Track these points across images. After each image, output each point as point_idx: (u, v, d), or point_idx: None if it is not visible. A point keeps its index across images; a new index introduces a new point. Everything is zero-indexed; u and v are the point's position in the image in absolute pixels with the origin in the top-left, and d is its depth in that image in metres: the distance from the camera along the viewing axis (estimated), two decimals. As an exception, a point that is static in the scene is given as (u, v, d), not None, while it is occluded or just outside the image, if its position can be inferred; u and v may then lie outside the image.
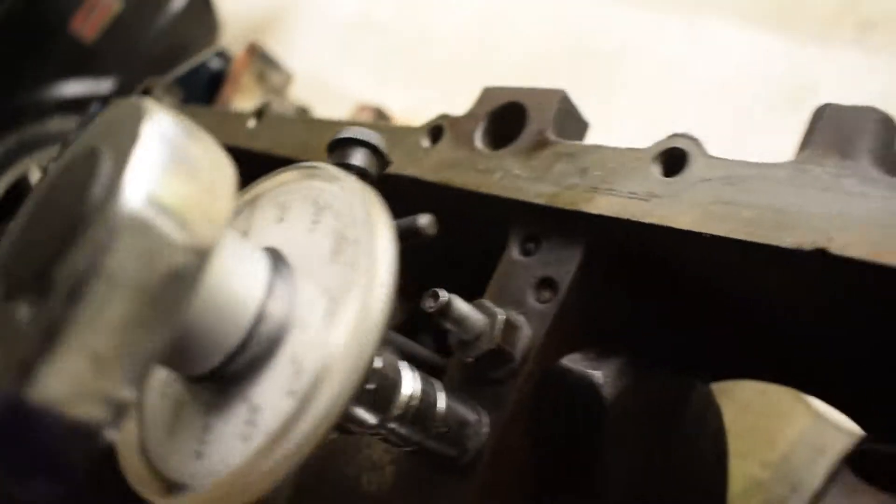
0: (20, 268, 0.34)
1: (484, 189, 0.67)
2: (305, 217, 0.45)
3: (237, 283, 0.40)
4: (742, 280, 0.59)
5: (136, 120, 0.34)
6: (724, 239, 0.53)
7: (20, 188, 1.97)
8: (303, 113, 1.28)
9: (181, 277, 0.32)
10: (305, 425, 0.36)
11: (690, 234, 0.54)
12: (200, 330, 0.38)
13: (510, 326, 0.58)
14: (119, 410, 0.32)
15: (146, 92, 1.26)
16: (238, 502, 0.37)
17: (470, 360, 0.58)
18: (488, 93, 0.73)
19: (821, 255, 0.49)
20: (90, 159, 0.34)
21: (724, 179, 0.55)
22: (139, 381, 0.32)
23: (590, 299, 0.62)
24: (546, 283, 0.61)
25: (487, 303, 0.59)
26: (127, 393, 0.31)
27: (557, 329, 0.60)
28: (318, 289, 0.41)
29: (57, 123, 1.85)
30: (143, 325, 0.31)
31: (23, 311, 0.32)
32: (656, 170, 0.59)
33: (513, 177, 0.66)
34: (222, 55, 1.38)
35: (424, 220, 0.48)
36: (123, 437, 0.44)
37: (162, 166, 0.33)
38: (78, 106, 1.80)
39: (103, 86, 1.86)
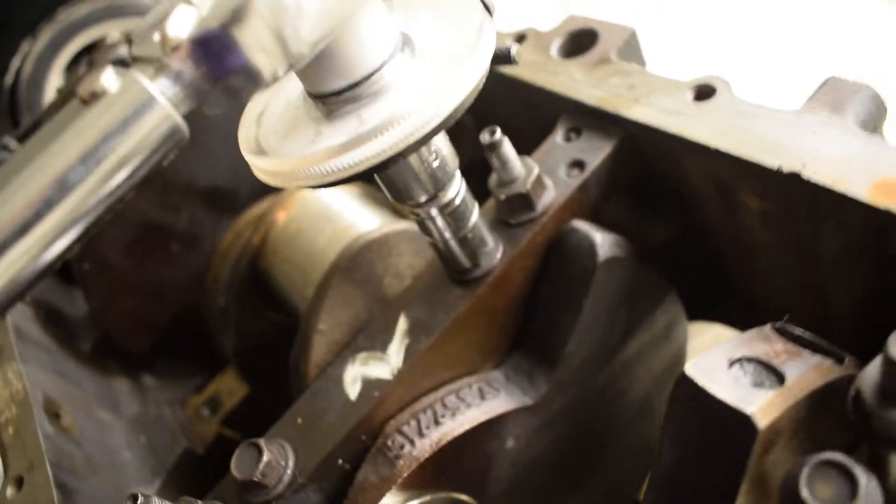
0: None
1: (547, 85, 0.81)
2: (438, 18, 0.60)
3: (377, 35, 0.54)
4: (728, 207, 0.73)
5: None
6: (724, 153, 0.67)
7: (93, 49, 2.11)
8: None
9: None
10: (370, 142, 0.52)
11: (700, 146, 0.69)
12: (341, 55, 0.53)
13: (540, 181, 0.73)
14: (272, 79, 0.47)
15: None
16: (298, 177, 0.52)
17: (503, 197, 0.72)
18: (571, 19, 0.88)
19: (795, 177, 0.63)
20: None
21: (739, 113, 0.69)
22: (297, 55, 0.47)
23: (607, 185, 0.76)
24: (577, 164, 0.76)
25: (528, 159, 0.73)
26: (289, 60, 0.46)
27: (575, 198, 0.74)
28: (427, 65, 0.56)
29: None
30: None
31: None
32: (689, 95, 0.73)
33: (574, 80, 0.80)
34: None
35: (514, 49, 0.62)
36: (249, 110, 0.60)
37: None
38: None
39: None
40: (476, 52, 0.56)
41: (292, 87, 0.61)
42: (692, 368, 0.51)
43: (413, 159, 0.61)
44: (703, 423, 0.51)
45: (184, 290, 1.19)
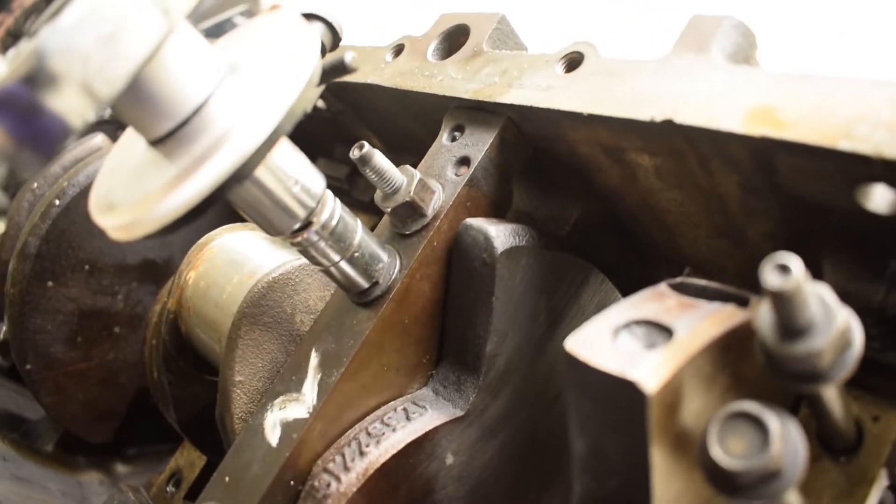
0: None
1: (425, 89, 0.79)
2: (264, 40, 0.58)
3: (195, 72, 0.52)
4: (625, 171, 0.70)
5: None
6: (596, 117, 0.64)
7: None
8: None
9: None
10: (204, 172, 0.49)
11: (573, 114, 0.66)
12: (161, 96, 0.51)
13: (424, 185, 0.70)
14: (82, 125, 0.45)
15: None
16: (142, 224, 0.50)
17: (389, 210, 0.70)
18: (442, 18, 0.86)
19: (669, 124, 0.60)
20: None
21: (608, 73, 0.67)
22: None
23: (498, 176, 0.73)
24: (463, 162, 0.73)
25: (410, 167, 0.71)
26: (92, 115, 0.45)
27: (466, 196, 0.71)
28: (254, 86, 0.54)
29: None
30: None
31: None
32: (559, 67, 0.71)
33: (450, 79, 0.78)
34: (248, 13, 1.53)
35: (349, 57, 0.60)
36: (103, 172, 0.58)
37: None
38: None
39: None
40: (291, 71, 0.54)
41: (140, 141, 0.59)
42: (572, 342, 0.48)
43: (269, 184, 0.59)
44: (595, 399, 0.47)
45: (136, 370, 1.16)
